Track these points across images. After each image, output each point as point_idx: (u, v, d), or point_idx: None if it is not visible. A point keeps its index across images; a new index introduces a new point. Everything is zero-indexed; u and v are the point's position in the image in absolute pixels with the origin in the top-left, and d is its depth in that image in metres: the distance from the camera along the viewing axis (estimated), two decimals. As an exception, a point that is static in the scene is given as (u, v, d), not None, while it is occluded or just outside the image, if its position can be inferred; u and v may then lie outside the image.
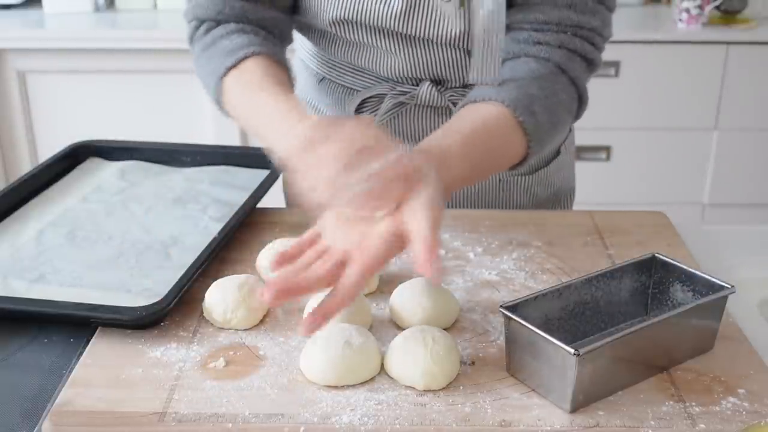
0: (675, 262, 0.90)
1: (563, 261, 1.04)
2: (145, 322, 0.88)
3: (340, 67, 1.18)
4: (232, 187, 1.21)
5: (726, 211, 2.75)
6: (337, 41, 1.13)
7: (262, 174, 1.22)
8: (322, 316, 0.77)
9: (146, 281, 0.98)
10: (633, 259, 0.91)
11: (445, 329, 0.88)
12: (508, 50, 1.03)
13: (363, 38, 1.09)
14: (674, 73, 2.57)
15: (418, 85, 1.13)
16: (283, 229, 1.11)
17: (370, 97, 1.15)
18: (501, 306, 0.82)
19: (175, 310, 0.91)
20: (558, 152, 1.26)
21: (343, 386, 0.81)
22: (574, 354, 0.74)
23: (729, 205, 2.75)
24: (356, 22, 1.07)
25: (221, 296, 0.90)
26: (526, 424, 0.76)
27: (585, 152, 2.64)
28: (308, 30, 1.16)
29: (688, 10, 2.55)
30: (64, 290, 0.95)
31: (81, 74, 2.59)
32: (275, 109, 0.92)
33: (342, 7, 1.06)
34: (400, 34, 1.08)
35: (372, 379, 0.82)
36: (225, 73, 1.00)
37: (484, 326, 0.91)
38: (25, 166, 2.67)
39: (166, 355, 0.86)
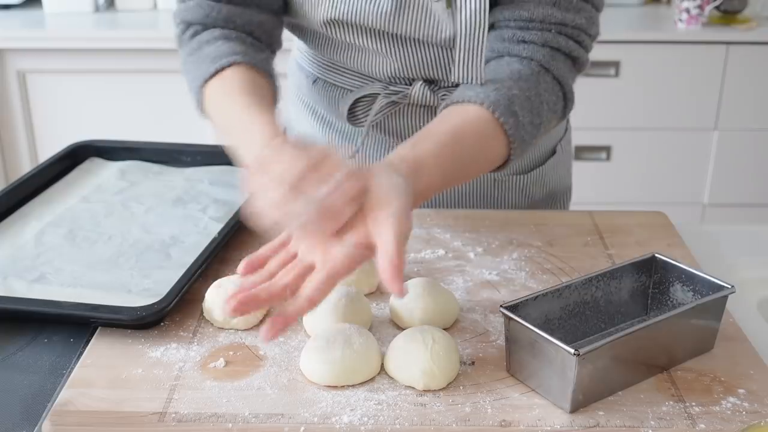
0: (675, 262, 0.90)
1: (563, 261, 1.04)
2: (145, 322, 0.88)
3: (333, 68, 1.18)
4: (232, 187, 1.21)
5: (726, 211, 2.75)
6: (329, 42, 1.13)
7: (262, 174, 1.22)
8: (282, 322, 0.76)
9: (146, 281, 0.98)
10: (633, 259, 0.91)
11: (445, 329, 0.88)
12: (493, 48, 1.02)
13: (354, 39, 1.09)
14: (674, 73, 2.57)
15: (410, 85, 1.13)
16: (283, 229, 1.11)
17: (363, 97, 1.15)
18: (501, 306, 0.82)
19: (175, 310, 0.91)
20: (554, 151, 1.26)
21: (343, 386, 0.81)
22: (574, 354, 0.74)
23: (729, 205, 2.75)
24: (347, 23, 1.07)
25: (221, 296, 0.90)
26: (526, 424, 0.76)
27: (585, 152, 2.64)
28: (300, 31, 1.16)
29: (688, 10, 2.55)
30: (64, 290, 0.95)
31: (81, 74, 2.59)
32: (245, 125, 0.90)
33: (331, 8, 1.06)
34: (391, 34, 1.08)
35: (372, 379, 0.82)
36: (206, 81, 0.99)
37: (484, 326, 0.91)
38: (25, 166, 2.67)
39: (166, 355, 0.86)
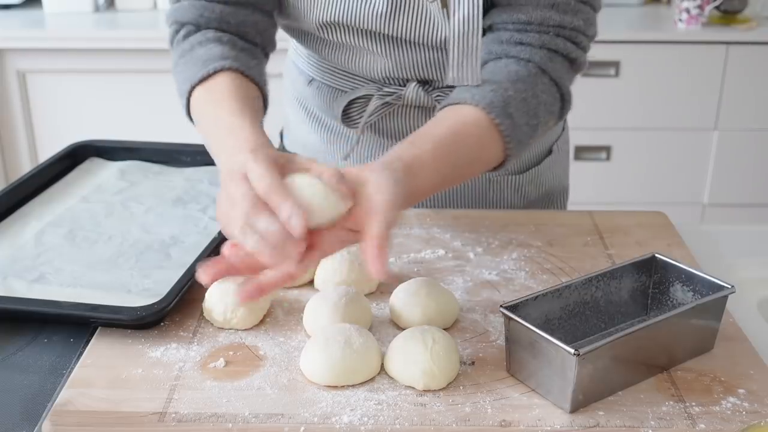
0: (675, 262, 0.90)
1: (563, 261, 1.04)
2: (145, 322, 0.88)
3: (328, 69, 1.18)
4: (232, 187, 1.20)
5: (726, 211, 2.75)
6: (324, 43, 1.13)
7: (262, 174, 1.22)
8: (255, 288, 0.77)
9: (146, 281, 0.98)
10: (633, 259, 0.91)
11: (445, 329, 0.88)
12: (491, 50, 1.02)
13: (349, 40, 1.09)
14: (674, 73, 2.57)
15: (404, 86, 1.13)
16: (283, 229, 1.11)
17: (357, 98, 1.15)
18: (501, 306, 0.82)
19: (175, 310, 0.91)
20: (550, 151, 1.26)
21: (343, 386, 0.81)
22: (574, 354, 0.74)
23: (729, 205, 2.75)
24: (341, 24, 1.07)
25: (221, 296, 0.90)
26: (526, 424, 0.76)
27: (585, 152, 2.65)
28: (295, 32, 1.16)
29: (688, 10, 2.55)
30: (64, 290, 0.95)
31: (81, 74, 2.59)
32: (227, 131, 0.89)
33: (326, 10, 1.06)
34: (385, 35, 1.08)
35: (372, 379, 0.82)
36: (195, 85, 0.98)
37: (484, 326, 0.91)
38: (25, 166, 2.67)
39: (166, 355, 0.86)
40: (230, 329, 0.90)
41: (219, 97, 0.95)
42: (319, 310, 0.89)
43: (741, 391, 0.81)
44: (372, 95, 1.14)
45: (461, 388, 0.81)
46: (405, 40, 1.08)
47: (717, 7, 2.62)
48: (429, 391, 0.80)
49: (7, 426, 0.78)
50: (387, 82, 1.14)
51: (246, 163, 0.79)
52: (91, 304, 0.90)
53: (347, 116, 1.17)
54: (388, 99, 1.13)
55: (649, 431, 0.76)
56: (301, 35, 1.15)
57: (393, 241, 1.08)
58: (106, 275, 0.99)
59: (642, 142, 2.67)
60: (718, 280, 0.86)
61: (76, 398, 0.79)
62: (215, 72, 0.97)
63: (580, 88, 1.07)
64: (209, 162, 1.28)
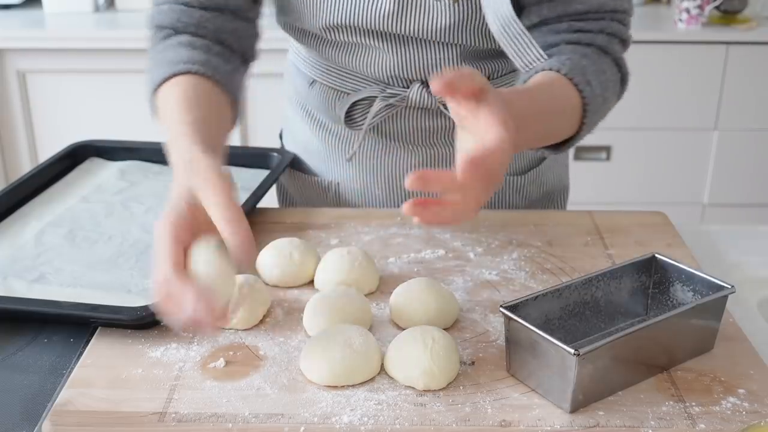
0: (675, 262, 0.90)
1: (563, 261, 1.04)
2: (145, 322, 0.88)
3: (330, 70, 1.17)
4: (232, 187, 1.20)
5: (726, 211, 2.75)
6: (327, 43, 1.13)
7: (262, 174, 1.22)
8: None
9: (146, 281, 0.98)
10: (633, 259, 0.91)
11: (445, 329, 0.88)
12: (548, 42, 1.04)
13: (353, 39, 1.09)
14: (674, 73, 2.57)
15: (407, 88, 1.13)
16: (283, 229, 1.11)
17: (360, 101, 1.15)
18: (501, 306, 0.82)
19: (175, 310, 0.91)
20: None
21: (343, 386, 0.81)
22: (575, 354, 0.74)
23: (729, 205, 2.75)
24: (347, 26, 1.07)
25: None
26: (526, 424, 0.76)
27: (585, 152, 2.65)
28: (297, 32, 1.15)
29: (688, 10, 2.55)
30: (64, 290, 0.95)
31: (81, 74, 2.59)
32: (174, 139, 0.87)
33: (331, 13, 1.06)
34: (391, 33, 1.08)
35: (372, 379, 0.82)
36: (158, 86, 0.96)
37: (484, 326, 0.91)
38: (25, 166, 2.67)
39: (166, 355, 0.86)
40: (230, 329, 0.90)
41: (173, 102, 0.93)
42: (319, 310, 0.89)
43: (741, 391, 0.81)
44: (375, 97, 1.14)
45: (461, 388, 0.81)
46: (411, 38, 1.08)
47: (717, 7, 2.62)
48: (429, 391, 0.80)
49: (7, 426, 0.78)
50: (390, 83, 1.14)
51: (158, 228, 0.77)
52: (91, 304, 0.90)
53: (350, 118, 1.17)
54: (392, 101, 1.13)
55: (649, 431, 0.76)
56: (303, 35, 1.15)
57: (393, 242, 1.08)
58: (106, 275, 0.99)
59: (642, 142, 2.67)
60: (718, 280, 0.86)
61: (76, 398, 0.79)
62: (181, 73, 0.95)
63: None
64: (209, 162, 1.28)
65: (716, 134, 2.66)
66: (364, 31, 1.08)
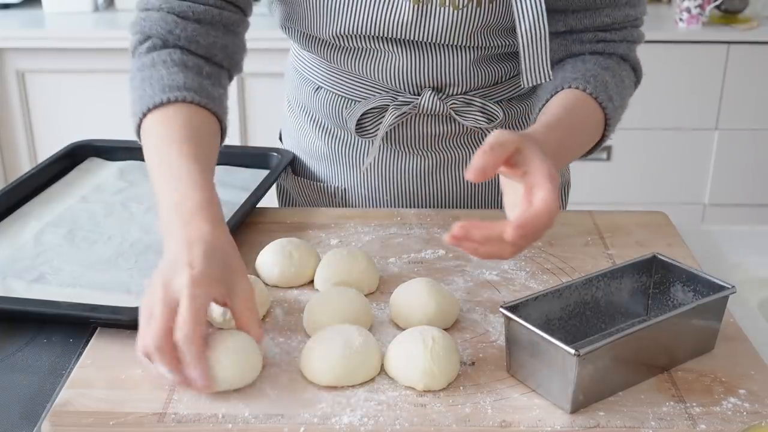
0: (675, 263, 0.90)
1: (563, 261, 1.04)
2: (144, 322, 0.88)
3: (338, 76, 1.16)
4: (232, 187, 1.20)
5: (726, 211, 2.75)
6: (337, 48, 1.11)
7: (262, 174, 1.22)
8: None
9: (146, 281, 0.97)
10: (633, 259, 0.91)
11: (445, 329, 0.88)
12: (572, 50, 1.07)
13: (366, 44, 1.08)
14: (674, 72, 2.57)
15: (417, 94, 1.13)
16: (283, 229, 1.11)
17: (371, 109, 1.15)
18: (501, 306, 0.81)
19: (174, 311, 0.91)
20: None
21: (343, 386, 0.81)
22: (575, 354, 0.74)
23: (729, 205, 2.75)
24: (363, 35, 1.07)
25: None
26: (527, 424, 0.76)
27: (585, 152, 2.64)
28: (304, 38, 1.13)
29: (688, 10, 2.55)
30: (63, 290, 0.95)
31: (80, 74, 2.59)
32: (175, 175, 0.87)
33: (347, 22, 1.05)
34: (408, 40, 1.07)
35: (372, 379, 0.82)
36: (150, 109, 0.94)
37: (484, 326, 0.91)
38: (24, 166, 2.67)
39: (166, 356, 0.85)
40: (230, 329, 0.90)
41: (172, 134, 0.91)
42: (319, 310, 0.89)
43: (742, 391, 0.80)
44: (387, 105, 1.13)
45: (461, 388, 0.81)
46: (426, 43, 1.08)
47: (718, 7, 2.62)
48: (429, 391, 0.80)
49: (7, 426, 0.78)
50: (401, 89, 1.13)
51: (183, 279, 0.78)
52: (90, 305, 0.90)
53: (360, 127, 1.16)
54: (404, 108, 1.13)
55: (649, 431, 0.76)
56: (311, 42, 1.13)
57: (393, 242, 1.08)
58: (105, 275, 0.99)
59: (642, 142, 2.67)
60: (719, 280, 0.86)
61: (75, 399, 0.79)
62: (174, 102, 0.93)
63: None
64: (209, 162, 1.28)
65: (717, 134, 2.66)
66: (379, 37, 1.07)
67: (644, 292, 0.92)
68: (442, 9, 1.03)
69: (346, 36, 1.07)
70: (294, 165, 1.29)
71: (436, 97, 1.12)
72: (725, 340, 0.88)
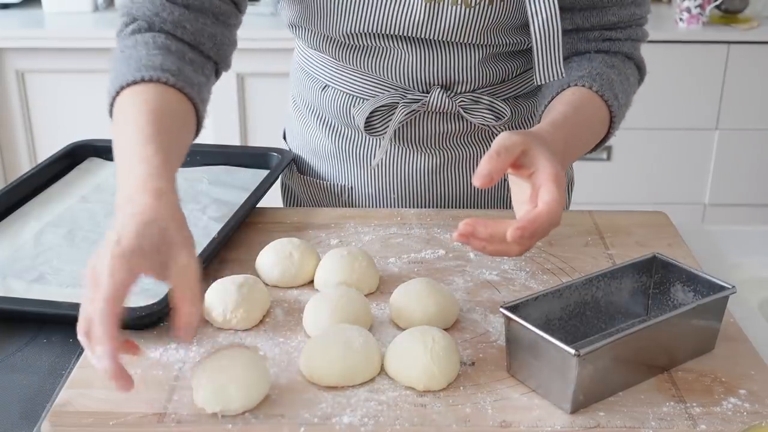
0: (676, 263, 0.90)
1: (564, 261, 1.04)
2: (144, 322, 0.88)
3: (346, 74, 1.16)
4: (232, 187, 1.20)
5: (727, 211, 2.75)
6: (346, 47, 1.11)
7: (262, 174, 1.22)
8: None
9: (145, 281, 0.97)
10: (634, 259, 0.91)
11: (445, 329, 0.88)
12: (578, 48, 1.09)
13: (376, 42, 1.08)
14: (675, 72, 2.57)
15: (426, 91, 1.13)
16: (283, 229, 1.11)
17: (380, 107, 1.15)
18: (501, 306, 0.81)
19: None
20: None
21: (343, 386, 0.81)
22: (575, 354, 0.74)
23: (730, 205, 2.75)
24: (374, 33, 1.07)
25: (220, 296, 0.90)
26: (527, 424, 0.76)
27: (585, 152, 2.64)
28: (312, 36, 1.13)
29: (688, 10, 2.55)
30: (63, 290, 0.95)
31: (80, 74, 2.59)
32: (132, 158, 0.82)
33: (358, 21, 1.05)
34: (419, 38, 1.07)
35: (372, 379, 0.82)
36: (123, 88, 0.91)
37: (484, 326, 0.91)
38: (24, 166, 2.67)
39: (166, 356, 0.85)
40: (230, 329, 0.90)
41: (135, 111, 0.88)
42: (319, 310, 0.89)
43: (742, 391, 0.80)
44: (396, 103, 1.13)
45: (461, 388, 0.81)
46: (436, 41, 1.08)
47: (718, 7, 2.62)
48: (429, 391, 0.80)
49: (6, 426, 0.78)
50: (410, 87, 1.13)
51: (107, 256, 0.73)
52: (90, 305, 0.89)
53: (369, 125, 1.15)
54: (414, 106, 1.13)
55: (649, 432, 0.76)
56: (320, 40, 1.12)
57: (393, 242, 1.08)
58: (105, 275, 0.98)
59: (642, 142, 2.67)
60: (719, 280, 0.86)
61: (75, 399, 0.79)
62: (149, 81, 0.90)
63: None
64: (208, 162, 1.28)
65: (717, 134, 2.66)
66: (390, 36, 1.07)
67: (644, 292, 0.91)
68: (454, 7, 1.04)
69: (358, 34, 1.07)
70: (299, 164, 1.29)
71: (444, 94, 1.12)
72: (725, 340, 0.87)
